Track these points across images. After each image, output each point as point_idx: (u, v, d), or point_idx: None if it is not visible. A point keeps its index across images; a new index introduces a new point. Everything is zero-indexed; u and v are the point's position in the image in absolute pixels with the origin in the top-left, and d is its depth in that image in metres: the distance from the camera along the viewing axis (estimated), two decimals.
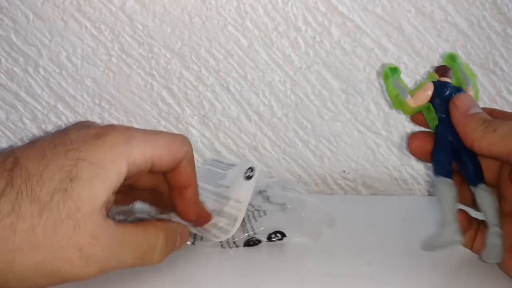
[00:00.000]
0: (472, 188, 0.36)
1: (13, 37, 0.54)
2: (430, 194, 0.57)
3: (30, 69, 0.54)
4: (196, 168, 0.38)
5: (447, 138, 0.36)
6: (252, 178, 0.41)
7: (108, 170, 0.31)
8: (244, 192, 0.41)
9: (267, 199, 0.43)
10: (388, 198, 0.56)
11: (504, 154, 0.32)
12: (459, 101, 0.36)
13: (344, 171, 0.56)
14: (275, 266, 0.37)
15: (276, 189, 0.44)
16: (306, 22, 0.52)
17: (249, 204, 0.41)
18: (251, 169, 0.42)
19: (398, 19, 0.52)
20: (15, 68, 0.54)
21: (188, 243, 0.40)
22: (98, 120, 0.56)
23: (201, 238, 0.40)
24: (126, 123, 0.56)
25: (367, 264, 0.38)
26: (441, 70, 0.39)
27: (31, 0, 0.52)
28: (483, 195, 0.35)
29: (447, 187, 0.36)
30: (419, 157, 0.38)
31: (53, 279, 0.30)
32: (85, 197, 0.30)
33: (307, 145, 0.56)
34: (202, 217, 0.40)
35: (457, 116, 0.36)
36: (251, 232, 0.40)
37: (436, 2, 0.51)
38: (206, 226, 0.40)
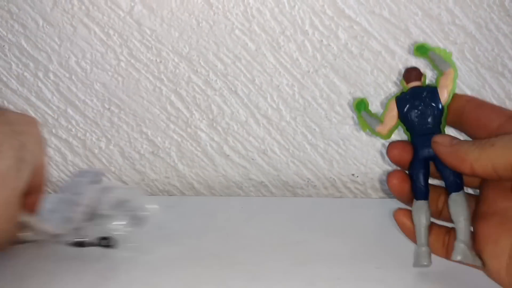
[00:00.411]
0: (449, 196, 0.36)
1: (23, 43, 0.54)
2: None
3: (40, 74, 0.55)
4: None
5: (422, 152, 0.37)
6: (96, 183, 0.42)
7: None
8: (86, 195, 0.41)
9: (111, 205, 0.43)
10: (398, 202, 0.56)
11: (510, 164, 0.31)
12: (439, 138, 0.36)
13: (353, 175, 0.56)
14: (284, 269, 0.37)
15: (118, 196, 0.43)
16: (313, 25, 0.52)
17: (91, 207, 0.41)
18: (97, 174, 0.43)
19: (405, 22, 0.52)
20: (25, 73, 0.55)
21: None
22: (108, 124, 0.56)
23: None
24: (135, 127, 0.56)
25: (377, 268, 0.38)
26: (406, 76, 0.38)
27: (41, 6, 0.53)
28: (459, 203, 0.35)
29: (421, 211, 0.36)
30: (398, 165, 0.38)
31: None
32: None
33: (315, 149, 0.56)
34: None
35: (442, 150, 0.35)
36: (83, 234, 0.40)
37: (443, 5, 0.51)
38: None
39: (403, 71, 0.39)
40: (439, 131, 0.37)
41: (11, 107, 0.56)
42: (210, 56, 0.54)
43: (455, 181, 0.36)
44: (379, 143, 0.56)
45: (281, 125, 0.55)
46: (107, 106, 0.56)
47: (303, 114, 0.55)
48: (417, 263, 0.36)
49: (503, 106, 0.54)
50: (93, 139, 0.56)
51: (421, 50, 0.39)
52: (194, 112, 0.55)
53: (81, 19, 0.53)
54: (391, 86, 0.53)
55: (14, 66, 0.55)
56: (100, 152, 0.57)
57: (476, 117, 0.36)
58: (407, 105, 0.37)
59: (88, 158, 0.57)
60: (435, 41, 0.52)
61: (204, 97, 0.55)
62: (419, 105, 0.37)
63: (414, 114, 0.37)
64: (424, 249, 0.36)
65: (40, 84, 0.55)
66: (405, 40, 0.52)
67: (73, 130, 0.56)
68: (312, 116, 0.55)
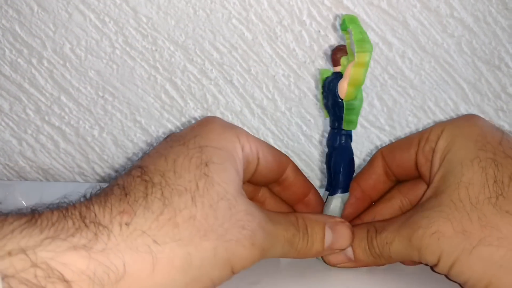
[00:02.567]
0: (329, 196, 0.37)
1: (17, 29, 0.53)
2: None
3: (34, 61, 0.54)
4: None
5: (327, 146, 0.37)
6: None
7: (231, 152, 0.32)
8: None
9: None
10: None
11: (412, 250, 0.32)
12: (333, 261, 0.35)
13: None
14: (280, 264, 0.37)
15: None
16: (311, 16, 0.52)
17: None
18: None
19: (403, 13, 0.52)
20: (19, 60, 0.54)
21: None
22: (101, 112, 0.56)
23: None
24: (129, 116, 0.56)
25: None
26: (332, 59, 0.36)
27: None
28: (338, 204, 0.37)
29: (340, 204, 0.37)
30: None
31: (225, 269, 0.29)
32: (226, 180, 0.30)
33: (310, 140, 0.55)
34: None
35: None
36: None
37: None
38: None
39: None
40: (340, 128, 0.36)
41: (4, 94, 0.55)
42: (206, 45, 0.53)
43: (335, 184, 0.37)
44: (374, 136, 0.55)
45: (276, 116, 0.55)
46: (101, 94, 0.55)
47: (299, 105, 0.55)
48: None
49: (498, 99, 0.54)
50: (86, 127, 0.56)
51: (344, 24, 0.35)
52: (189, 101, 0.55)
53: (76, 5, 0.53)
54: (387, 78, 0.53)
55: (7, 52, 0.54)
56: (93, 140, 0.57)
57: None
58: (324, 94, 0.36)
59: (80, 146, 0.57)
60: (433, 33, 0.52)
61: (199, 86, 0.55)
62: (327, 96, 0.36)
63: (327, 105, 0.37)
64: None
65: (33, 70, 0.55)
66: (403, 32, 0.52)
67: (66, 117, 0.56)
68: (307, 107, 0.55)
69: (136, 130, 0.56)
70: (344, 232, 0.35)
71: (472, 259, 0.29)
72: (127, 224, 0.27)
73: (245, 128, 0.56)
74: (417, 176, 0.38)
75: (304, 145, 0.55)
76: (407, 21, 0.52)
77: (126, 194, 0.28)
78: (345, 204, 0.37)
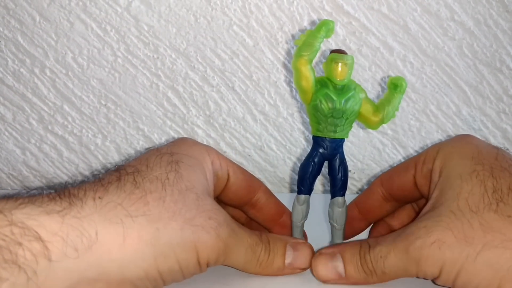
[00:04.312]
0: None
1: (19, 39, 0.54)
2: None
3: (37, 70, 0.55)
4: None
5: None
6: None
7: (199, 161, 0.34)
8: None
9: None
10: None
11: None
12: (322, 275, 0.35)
13: (350, 171, 0.56)
14: None
15: None
16: (312, 21, 0.52)
17: None
18: None
19: (403, 17, 0.52)
20: (21, 69, 0.55)
21: None
22: (104, 121, 0.56)
23: None
24: (131, 124, 0.56)
25: None
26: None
27: (38, 2, 0.53)
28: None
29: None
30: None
31: (191, 252, 0.30)
32: (195, 179, 0.32)
33: None
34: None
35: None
36: None
37: (442, 1, 0.51)
38: None
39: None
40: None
41: (7, 103, 0.56)
42: (207, 52, 0.53)
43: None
44: (377, 140, 0.55)
45: (278, 122, 0.55)
46: (103, 103, 0.55)
47: (301, 111, 0.55)
48: None
49: (500, 102, 0.54)
50: (89, 135, 0.56)
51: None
52: (191, 108, 0.55)
53: (78, 14, 0.53)
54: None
55: (10, 62, 0.55)
56: (96, 148, 0.57)
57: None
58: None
59: (84, 155, 0.57)
60: (434, 37, 0.52)
61: (201, 93, 0.55)
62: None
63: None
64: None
65: (36, 80, 0.55)
66: (404, 36, 0.52)
67: (69, 126, 0.56)
68: None
69: (139, 138, 0.56)
70: (305, 252, 0.35)
71: (478, 265, 0.29)
72: (100, 198, 0.29)
73: (248, 135, 0.56)
74: (420, 197, 0.38)
75: (307, 150, 0.55)
76: (407, 25, 0.52)
77: (100, 179, 0.31)
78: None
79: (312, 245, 0.38)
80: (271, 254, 0.34)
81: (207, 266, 0.32)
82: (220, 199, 0.38)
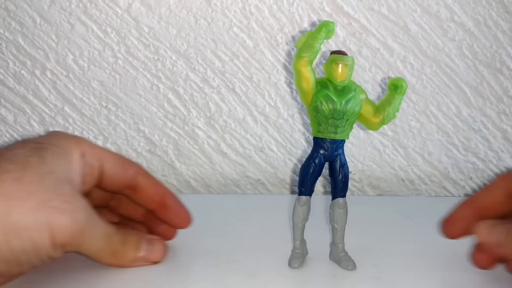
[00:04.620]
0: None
1: (20, 40, 0.54)
2: (436, 194, 0.57)
3: (38, 72, 0.55)
4: None
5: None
6: None
7: (66, 151, 0.35)
8: None
9: None
10: (395, 199, 0.56)
11: None
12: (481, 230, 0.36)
13: (350, 172, 0.56)
14: (281, 266, 0.37)
15: None
16: (312, 23, 0.52)
17: None
18: None
19: (403, 18, 0.52)
20: (22, 71, 0.55)
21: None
22: (105, 122, 0.56)
23: None
24: (132, 125, 0.56)
25: (374, 265, 0.38)
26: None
27: (38, 4, 0.53)
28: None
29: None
30: (484, 268, 0.38)
31: (44, 232, 0.31)
32: (58, 165, 0.33)
33: None
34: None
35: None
36: None
37: (442, 1, 0.51)
38: None
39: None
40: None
41: (8, 105, 0.56)
42: (208, 53, 0.54)
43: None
44: (377, 141, 0.55)
45: (278, 123, 0.55)
46: (104, 104, 0.56)
47: (301, 112, 0.55)
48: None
49: (500, 102, 0.54)
50: (90, 137, 0.56)
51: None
52: (192, 109, 0.55)
53: (78, 16, 0.53)
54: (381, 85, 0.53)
55: (11, 64, 0.55)
56: None
57: None
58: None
59: None
60: (434, 38, 0.52)
61: (202, 94, 0.55)
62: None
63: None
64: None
65: (37, 82, 0.55)
66: (404, 37, 0.52)
67: (70, 128, 0.56)
68: None
69: (140, 139, 0.56)
70: (159, 247, 0.38)
71: None
72: None
73: (248, 136, 0.56)
74: None
75: (307, 151, 0.55)
76: (407, 26, 0.52)
77: None
78: None
79: (310, 247, 0.38)
80: (126, 246, 0.36)
81: (63, 250, 0.32)
82: (101, 188, 0.39)
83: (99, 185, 0.38)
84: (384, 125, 0.37)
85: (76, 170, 0.35)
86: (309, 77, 0.35)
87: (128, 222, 0.41)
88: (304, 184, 0.37)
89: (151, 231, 0.40)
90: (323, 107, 0.35)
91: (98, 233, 0.34)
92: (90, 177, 0.37)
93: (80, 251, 0.34)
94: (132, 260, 0.36)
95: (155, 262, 0.37)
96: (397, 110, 0.37)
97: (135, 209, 0.40)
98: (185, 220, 0.40)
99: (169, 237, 0.40)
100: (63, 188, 0.33)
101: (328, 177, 0.38)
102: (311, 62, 0.35)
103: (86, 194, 0.36)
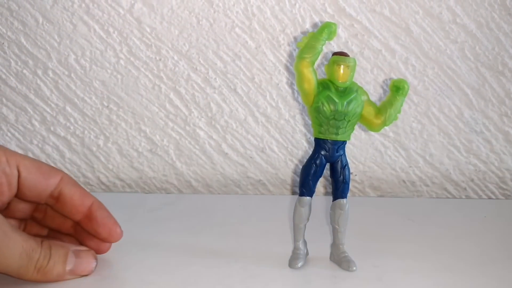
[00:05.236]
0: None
1: (22, 40, 0.54)
2: (438, 196, 0.57)
3: (39, 72, 0.55)
4: None
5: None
6: None
7: None
8: None
9: None
10: (396, 200, 0.56)
11: None
12: None
13: (351, 173, 0.56)
14: (282, 267, 0.37)
15: None
16: (314, 24, 0.52)
17: None
18: None
19: (406, 20, 0.52)
20: (24, 71, 0.55)
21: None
22: (106, 122, 0.56)
23: None
24: (133, 125, 0.56)
25: (374, 266, 0.37)
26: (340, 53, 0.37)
27: (41, 3, 0.53)
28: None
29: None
30: None
31: None
32: None
33: None
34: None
35: None
36: None
37: (444, 3, 0.51)
38: None
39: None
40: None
41: (10, 105, 0.56)
42: (209, 54, 0.54)
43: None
44: (378, 142, 0.55)
45: (280, 124, 0.55)
46: (105, 104, 0.56)
47: (302, 113, 0.55)
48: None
49: (502, 105, 0.54)
50: (92, 136, 0.56)
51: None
52: (193, 110, 0.55)
53: (81, 16, 0.53)
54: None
55: (13, 63, 0.55)
56: (98, 149, 0.57)
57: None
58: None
59: (86, 156, 0.57)
60: (436, 40, 0.52)
61: (203, 95, 0.55)
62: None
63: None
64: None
65: (39, 81, 0.55)
66: (406, 39, 0.52)
67: (72, 127, 0.56)
68: None
69: (141, 139, 0.56)
70: (87, 259, 0.35)
71: None
72: None
73: (249, 136, 0.56)
74: None
75: (309, 152, 0.55)
76: (410, 28, 0.52)
77: None
78: None
79: (311, 248, 0.38)
80: (51, 261, 0.33)
81: None
82: (19, 198, 0.36)
83: (19, 195, 0.36)
84: (385, 127, 0.37)
85: None
86: (311, 78, 0.35)
87: (57, 235, 0.38)
88: (305, 185, 0.37)
89: (82, 245, 0.37)
90: (324, 108, 0.35)
91: (13, 249, 0.31)
92: (7, 186, 0.34)
93: None
94: (58, 275, 0.34)
95: (84, 275, 0.35)
96: (399, 112, 0.37)
97: (62, 221, 0.38)
98: (113, 233, 0.37)
99: (101, 251, 0.37)
100: None
101: (329, 178, 0.38)
102: (313, 63, 0.35)
103: (7, 206, 0.34)
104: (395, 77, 0.53)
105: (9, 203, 0.35)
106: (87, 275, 0.35)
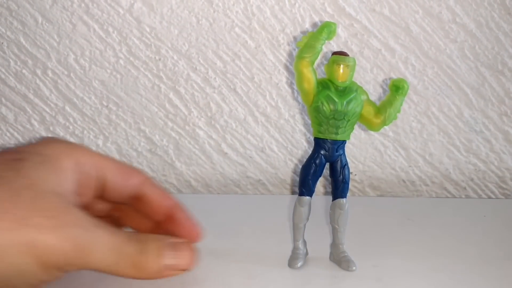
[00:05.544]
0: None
1: (22, 40, 0.54)
2: (437, 195, 0.57)
3: (39, 71, 0.55)
4: None
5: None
6: None
7: (53, 159, 0.31)
8: None
9: None
10: (395, 200, 0.56)
11: None
12: None
13: (351, 173, 0.56)
14: (281, 267, 0.37)
15: None
16: (313, 23, 0.52)
17: None
18: None
19: (405, 20, 0.52)
20: (23, 71, 0.55)
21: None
22: (105, 122, 0.56)
23: None
24: (133, 125, 0.56)
25: (374, 266, 0.37)
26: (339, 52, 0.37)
27: (40, 3, 0.53)
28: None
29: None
30: None
31: (26, 256, 0.27)
32: (36, 176, 0.30)
33: None
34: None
35: None
36: None
37: (444, 3, 0.51)
38: None
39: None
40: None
41: (9, 104, 0.56)
42: (209, 53, 0.54)
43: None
44: (378, 142, 0.55)
45: (279, 123, 0.55)
46: (105, 104, 0.56)
47: (302, 112, 0.55)
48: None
49: (502, 104, 0.54)
50: (91, 136, 0.56)
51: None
52: (193, 109, 0.55)
53: (80, 16, 0.53)
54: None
55: (12, 63, 0.55)
56: (97, 149, 0.57)
57: None
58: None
59: None
60: (435, 39, 0.52)
61: (203, 94, 0.55)
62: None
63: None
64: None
65: (38, 81, 0.55)
66: (405, 38, 0.52)
67: (71, 127, 0.56)
68: None
69: (141, 139, 0.56)
70: (186, 252, 0.33)
71: None
72: None
73: (249, 136, 0.56)
74: None
75: (308, 152, 0.55)
76: (409, 27, 0.52)
77: None
78: None
79: (311, 247, 0.38)
80: (145, 254, 0.31)
81: (61, 271, 0.29)
82: (105, 198, 0.36)
83: (101, 196, 0.35)
84: (385, 126, 0.37)
85: (67, 180, 0.31)
86: (311, 78, 0.35)
87: None
88: (304, 184, 0.37)
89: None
90: (324, 107, 0.35)
91: (103, 245, 0.29)
92: (87, 187, 0.33)
93: (89, 269, 0.30)
94: (156, 272, 0.31)
95: (184, 270, 0.32)
96: (398, 111, 0.37)
97: (142, 221, 0.37)
98: (194, 234, 0.36)
99: None
100: (46, 202, 0.29)
101: (329, 178, 0.38)
102: (313, 63, 0.35)
103: (86, 207, 0.33)
104: (394, 77, 0.53)
105: (89, 204, 0.34)
106: (187, 270, 0.33)
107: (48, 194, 0.29)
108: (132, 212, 0.37)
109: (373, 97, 0.53)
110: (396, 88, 0.37)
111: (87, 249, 0.29)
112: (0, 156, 0.31)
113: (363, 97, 0.37)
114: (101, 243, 0.29)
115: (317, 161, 0.37)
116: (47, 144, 0.33)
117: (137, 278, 0.31)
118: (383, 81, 0.53)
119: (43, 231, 0.27)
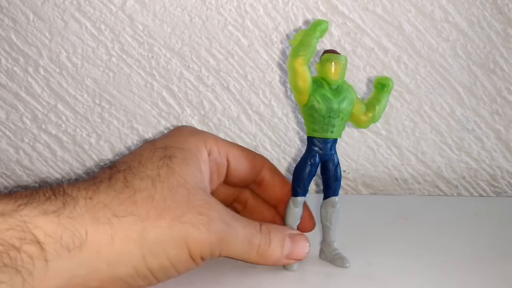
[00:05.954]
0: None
1: (13, 37, 0.54)
2: (430, 193, 0.57)
3: (30, 69, 0.54)
4: None
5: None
6: None
7: (195, 154, 0.34)
8: None
9: None
10: (388, 198, 0.56)
11: None
12: None
13: (344, 171, 0.56)
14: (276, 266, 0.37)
15: None
16: (307, 22, 0.52)
17: None
18: None
19: (398, 18, 0.52)
20: (15, 68, 0.54)
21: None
22: (98, 120, 0.56)
23: None
24: (126, 123, 0.56)
25: (367, 264, 0.38)
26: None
27: (31, 0, 0.53)
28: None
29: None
30: None
31: (181, 249, 0.31)
32: (187, 173, 0.33)
33: None
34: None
35: None
36: None
37: (436, 2, 0.51)
38: None
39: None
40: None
41: (0, 102, 0.55)
42: (202, 51, 0.53)
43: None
44: (371, 140, 0.56)
45: (273, 122, 0.55)
46: (97, 102, 0.55)
47: (295, 111, 0.55)
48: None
49: (494, 103, 0.54)
50: (83, 134, 0.56)
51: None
52: (186, 108, 0.55)
53: (72, 13, 0.53)
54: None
55: (3, 60, 0.54)
56: (90, 148, 0.57)
57: None
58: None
59: (78, 154, 0.57)
60: (428, 38, 0.52)
61: (196, 93, 0.55)
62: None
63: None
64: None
65: (30, 79, 0.55)
66: (398, 37, 0.52)
67: (63, 125, 0.56)
68: None
69: (133, 137, 0.56)
70: (302, 243, 0.36)
71: None
72: (90, 198, 0.30)
73: (242, 134, 0.56)
74: None
75: (302, 150, 0.55)
76: (402, 26, 0.52)
77: (93, 177, 0.32)
78: None
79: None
80: (272, 245, 0.34)
81: (202, 260, 0.32)
82: (226, 182, 0.38)
83: (225, 181, 0.38)
84: (374, 123, 0.38)
85: (206, 173, 0.34)
86: (306, 77, 0.35)
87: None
88: (299, 184, 0.37)
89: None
90: (320, 106, 0.35)
91: (238, 237, 0.33)
92: (217, 175, 0.36)
93: (224, 257, 0.33)
94: (277, 260, 0.35)
95: (299, 260, 0.36)
96: (385, 108, 0.38)
97: (261, 214, 0.40)
98: (309, 223, 0.39)
99: None
100: (195, 199, 0.32)
101: (320, 176, 0.38)
102: (308, 61, 0.35)
103: (213, 192, 0.36)
104: (387, 75, 0.53)
105: (216, 189, 0.37)
106: (301, 260, 0.36)
107: (196, 191, 0.32)
108: (253, 204, 0.40)
109: (366, 96, 0.54)
110: (382, 86, 0.37)
111: (226, 241, 0.32)
112: (150, 152, 0.33)
113: (354, 95, 0.37)
114: (237, 236, 0.33)
115: (312, 161, 0.37)
116: (186, 137, 0.35)
117: (261, 264, 0.35)
118: (368, 78, 0.54)
119: (195, 227, 0.31)
